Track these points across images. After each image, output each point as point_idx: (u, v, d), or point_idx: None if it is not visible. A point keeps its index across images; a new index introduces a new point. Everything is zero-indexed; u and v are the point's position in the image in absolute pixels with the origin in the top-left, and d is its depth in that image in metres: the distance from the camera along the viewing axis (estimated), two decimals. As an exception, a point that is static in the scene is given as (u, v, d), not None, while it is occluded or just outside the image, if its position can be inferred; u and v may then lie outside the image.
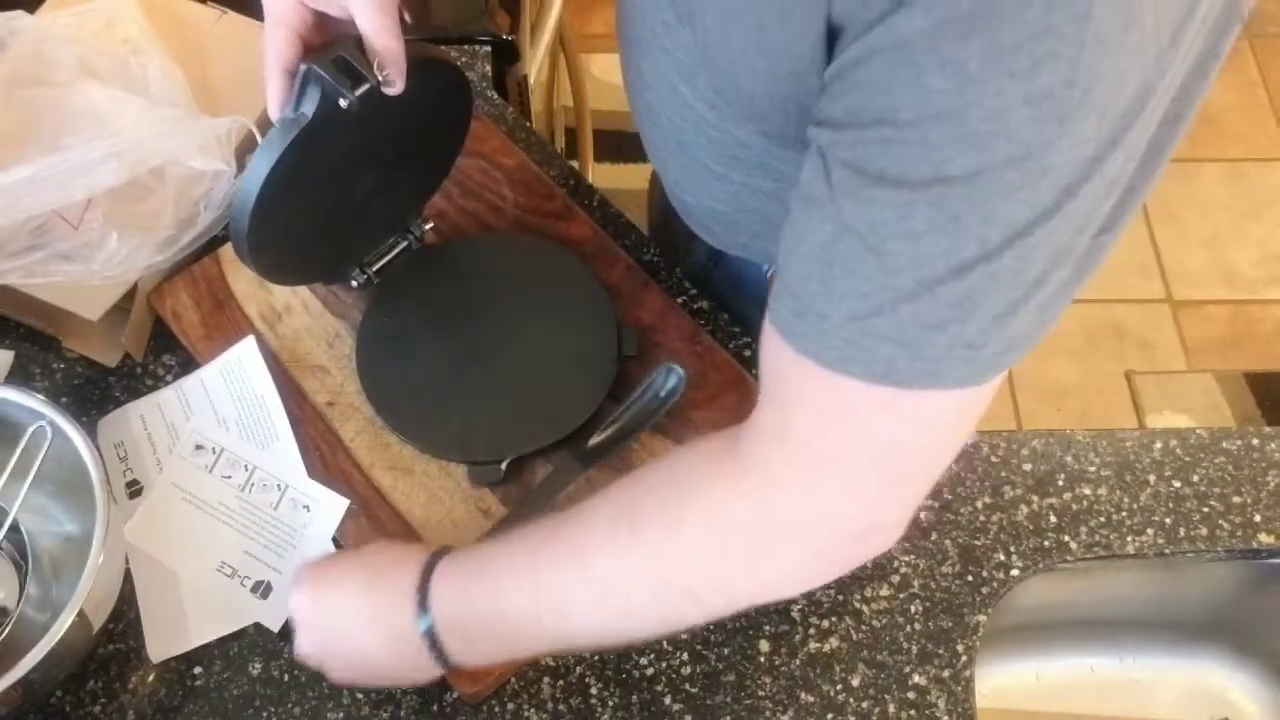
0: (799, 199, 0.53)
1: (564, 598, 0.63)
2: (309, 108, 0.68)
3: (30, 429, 0.77)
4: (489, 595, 0.64)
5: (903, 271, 0.48)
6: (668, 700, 0.78)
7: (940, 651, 0.80)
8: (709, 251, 0.92)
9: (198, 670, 0.78)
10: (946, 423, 0.54)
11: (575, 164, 1.81)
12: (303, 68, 0.67)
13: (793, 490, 0.57)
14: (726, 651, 0.79)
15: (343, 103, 0.66)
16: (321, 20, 0.67)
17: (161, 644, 0.79)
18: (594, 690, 0.78)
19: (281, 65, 0.67)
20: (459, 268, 0.91)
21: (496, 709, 0.77)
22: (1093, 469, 0.87)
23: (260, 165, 0.70)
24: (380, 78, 0.67)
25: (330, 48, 0.67)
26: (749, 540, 0.59)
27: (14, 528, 0.79)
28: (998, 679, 0.97)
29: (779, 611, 0.81)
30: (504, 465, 0.82)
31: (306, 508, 0.82)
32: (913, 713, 0.77)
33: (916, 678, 0.79)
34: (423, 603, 0.65)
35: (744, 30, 0.57)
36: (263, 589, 0.80)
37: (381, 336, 0.87)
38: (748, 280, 0.91)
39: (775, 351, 0.55)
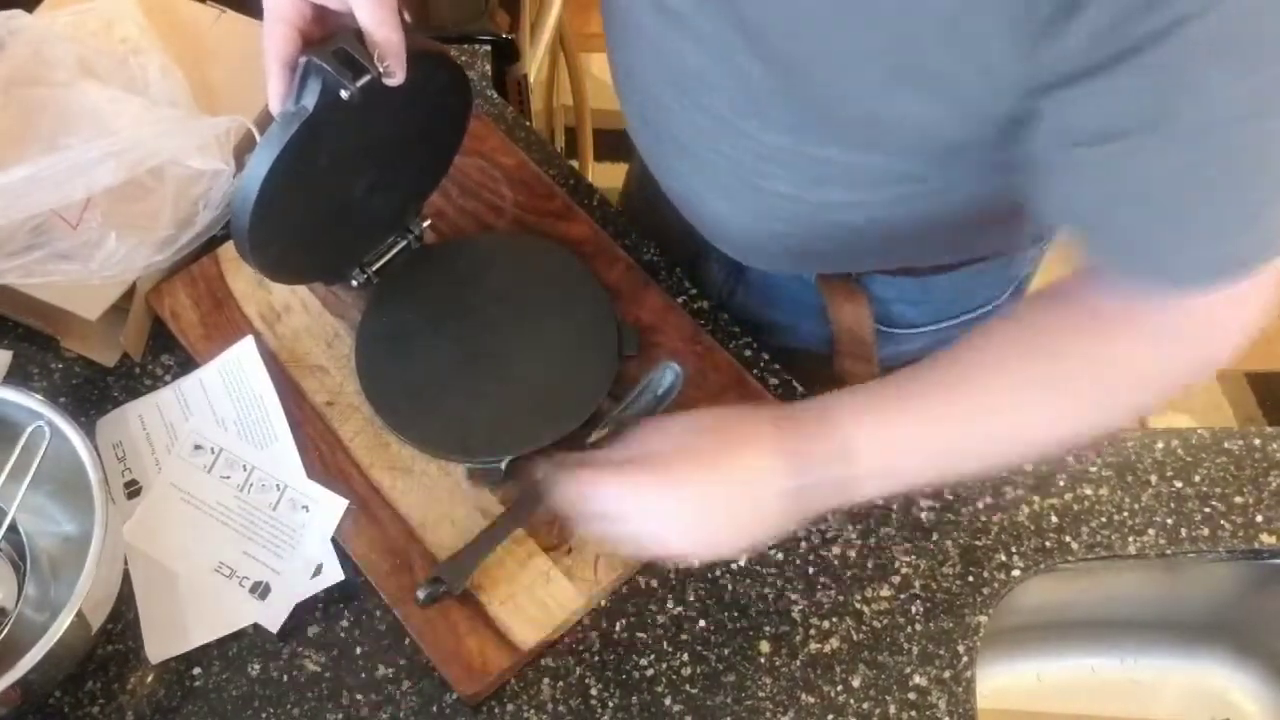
0: (1099, 151, 0.57)
1: (992, 465, 0.71)
2: (310, 100, 0.68)
3: (28, 429, 0.77)
4: (917, 479, 0.71)
5: (1248, 188, 0.56)
6: (668, 701, 0.77)
7: (941, 652, 0.79)
8: (729, 270, 0.92)
9: (196, 671, 0.78)
10: None
11: (575, 163, 1.81)
12: (303, 60, 0.67)
13: (1206, 352, 0.65)
14: (727, 652, 0.79)
15: (344, 94, 0.66)
16: (320, 14, 0.68)
17: (160, 645, 0.78)
18: (594, 691, 0.78)
19: (281, 60, 0.67)
20: (459, 267, 0.91)
21: (496, 710, 0.77)
22: (1094, 469, 0.87)
23: (261, 159, 0.70)
24: (380, 69, 0.67)
25: (330, 40, 0.67)
26: (1168, 388, 0.67)
27: (12, 528, 0.79)
28: (999, 680, 0.97)
29: (779, 612, 0.81)
30: (504, 465, 0.81)
31: (305, 508, 0.81)
32: (914, 714, 0.77)
33: (917, 679, 0.79)
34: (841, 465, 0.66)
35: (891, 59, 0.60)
36: (261, 590, 0.79)
37: (381, 336, 0.87)
38: (781, 290, 0.92)
39: (1145, 302, 0.62)
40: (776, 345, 0.91)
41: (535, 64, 1.51)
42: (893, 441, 0.66)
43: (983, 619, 0.81)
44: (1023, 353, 0.67)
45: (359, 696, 0.77)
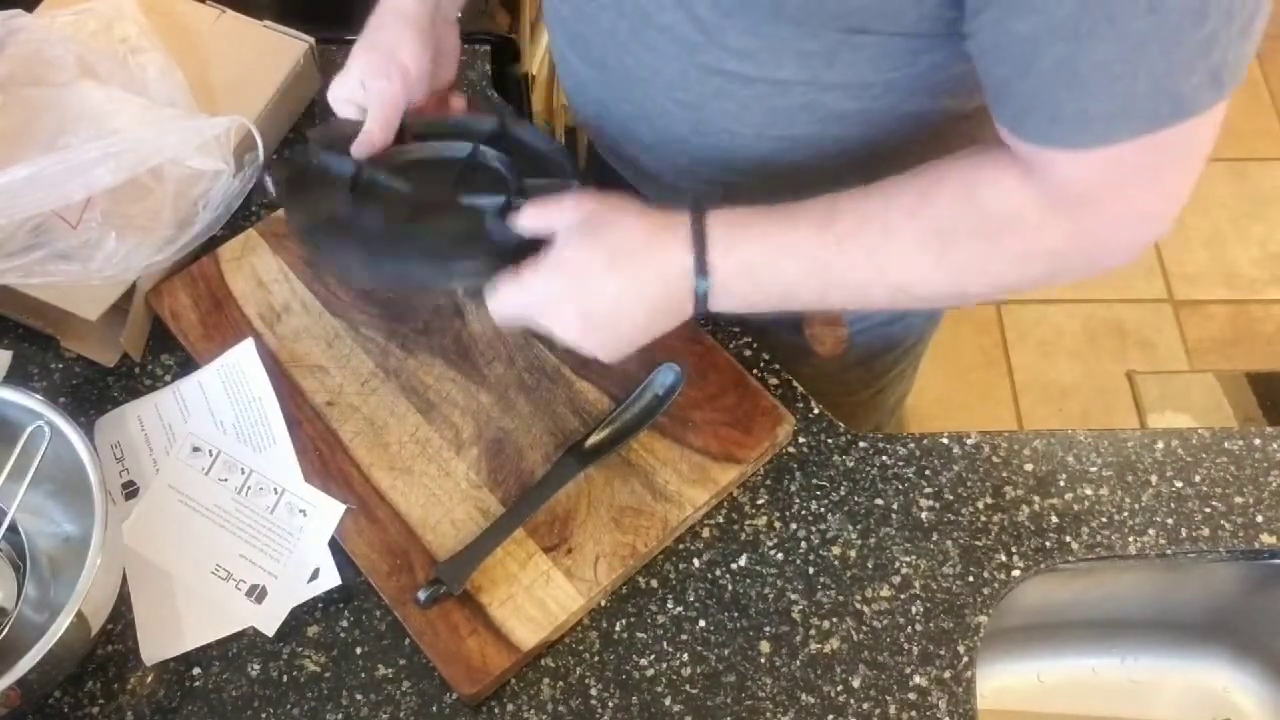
0: (1011, 33, 0.60)
1: (855, 295, 0.72)
2: None
3: (28, 429, 0.77)
4: (775, 284, 0.71)
5: (1146, 43, 0.57)
6: (668, 701, 0.77)
7: (941, 652, 0.79)
8: None
9: (196, 671, 0.78)
10: (1208, 135, 0.62)
11: (575, 163, 1.80)
12: None
13: (1099, 234, 0.67)
14: (727, 652, 0.79)
15: None
16: None
17: (155, 646, 0.78)
18: (594, 691, 0.78)
19: None
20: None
21: (496, 710, 0.77)
22: (1094, 469, 0.87)
23: None
24: None
25: None
26: (1061, 267, 0.69)
27: (12, 528, 0.79)
28: (999, 680, 0.97)
29: (779, 612, 0.81)
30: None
31: (303, 512, 0.81)
32: (914, 714, 0.77)
33: (917, 679, 0.79)
34: (702, 270, 0.70)
35: None
36: (257, 593, 0.79)
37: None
38: None
39: (1047, 159, 0.63)
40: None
41: (535, 63, 1.51)
42: (748, 259, 0.70)
43: (983, 619, 0.81)
44: (905, 200, 0.69)
45: (359, 697, 0.77)
